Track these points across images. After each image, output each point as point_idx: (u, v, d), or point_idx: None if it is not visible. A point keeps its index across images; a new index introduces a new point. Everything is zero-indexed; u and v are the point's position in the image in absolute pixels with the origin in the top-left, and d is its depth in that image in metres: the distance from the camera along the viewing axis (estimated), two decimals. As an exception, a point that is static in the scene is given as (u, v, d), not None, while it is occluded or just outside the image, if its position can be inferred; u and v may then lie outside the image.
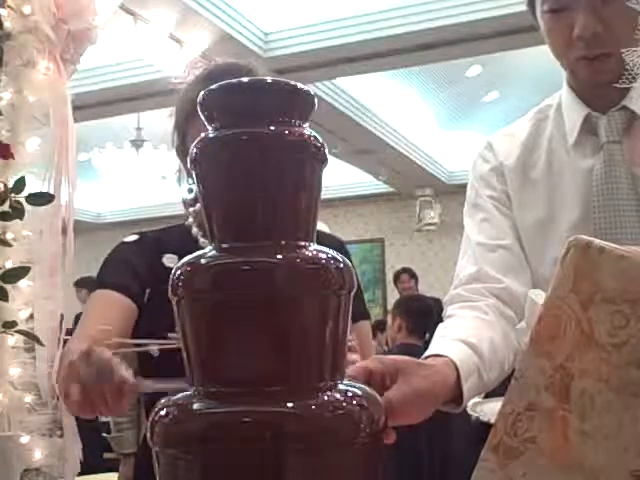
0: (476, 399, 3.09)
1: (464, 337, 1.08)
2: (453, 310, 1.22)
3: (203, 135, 0.74)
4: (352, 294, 0.74)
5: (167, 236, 1.43)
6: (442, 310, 1.27)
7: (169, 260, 1.32)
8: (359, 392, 0.71)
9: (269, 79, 0.75)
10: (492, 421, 0.82)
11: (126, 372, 0.91)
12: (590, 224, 1.22)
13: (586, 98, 1.28)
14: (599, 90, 1.25)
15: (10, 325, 1.04)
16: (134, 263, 1.38)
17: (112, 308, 1.32)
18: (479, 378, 1.05)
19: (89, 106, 5.66)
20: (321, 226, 1.48)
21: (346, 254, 1.45)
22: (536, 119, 1.36)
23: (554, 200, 1.28)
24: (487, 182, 1.34)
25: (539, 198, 1.30)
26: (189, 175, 1.36)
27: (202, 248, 0.75)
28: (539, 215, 1.29)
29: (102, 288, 1.35)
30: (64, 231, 1.27)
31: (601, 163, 1.23)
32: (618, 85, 1.08)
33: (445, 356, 1.01)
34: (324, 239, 1.34)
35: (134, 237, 1.45)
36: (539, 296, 1.11)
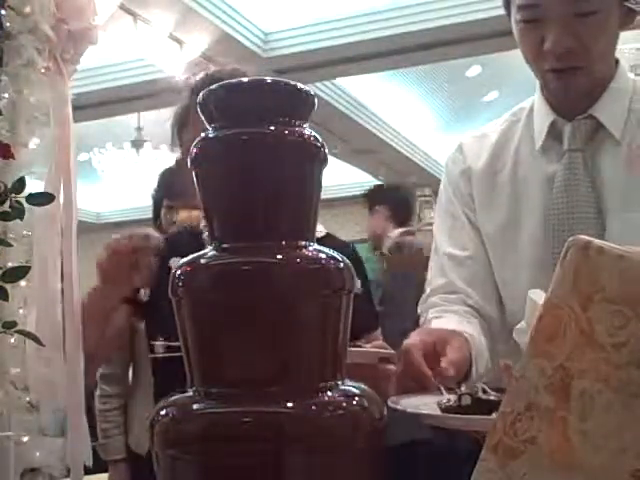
0: None
1: (459, 330, 1.10)
2: (435, 314, 1.24)
3: (203, 135, 0.74)
4: (352, 294, 0.74)
5: (178, 238, 1.43)
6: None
7: (175, 262, 1.33)
8: (359, 392, 0.71)
9: (269, 79, 0.75)
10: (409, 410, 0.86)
11: None
12: (549, 231, 1.22)
13: (555, 105, 1.27)
14: (568, 99, 1.25)
15: (10, 325, 1.03)
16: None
17: None
18: (476, 367, 1.09)
19: (89, 106, 5.67)
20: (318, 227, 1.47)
21: (356, 255, 1.46)
22: (509, 122, 1.36)
23: (517, 205, 1.28)
24: (457, 186, 1.34)
25: (503, 203, 1.29)
26: None
27: None
28: (502, 220, 1.29)
29: None
30: (64, 232, 1.27)
31: (562, 170, 1.23)
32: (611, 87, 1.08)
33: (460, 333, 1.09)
34: (331, 242, 1.34)
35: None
36: (539, 296, 1.11)
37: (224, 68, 1.43)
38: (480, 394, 0.87)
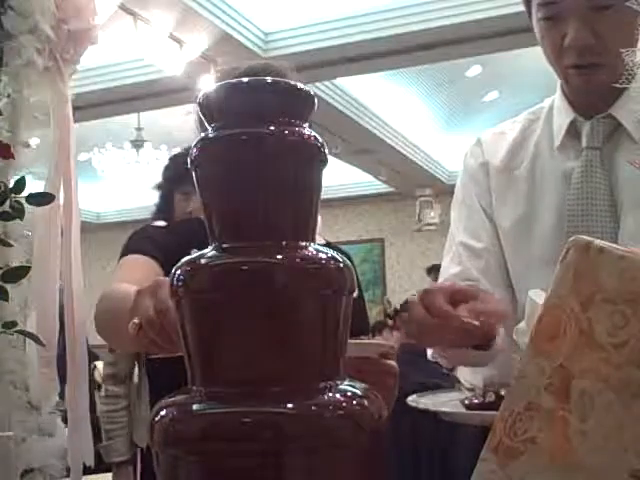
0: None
1: None
2: None
3: (203, 135, 0.74)
4: (353, 296, 0.74)
5: (192, 230, 1.41)
6: None
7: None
8: (359, 392, 0.71)
9: (269, 79, 0.75)
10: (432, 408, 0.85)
11: None
12: (564, 227, 1.23)
13: (575, 104, 1.29)
14: (589, 97, 1.26)
15: (10, 325, 1.03)
16: (160, 241, 1.39)
17: (137, 267, 1.33)
18: (500, 336, 1.08)
19: (89, 106, 5.66)
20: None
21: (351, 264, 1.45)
22: (527, 120, 1.38)
23: (533, 201, 1.30)
24: (475, 179, 1.36)
25: (519, 198, 1.31)
26: None
27: None
28: (518, 216, 1.31)
29: (125, 256, 1.37)
30: (64, 232, 1.27)
31: (579, 168, 1.25)
32: (618, 85, 1.09)
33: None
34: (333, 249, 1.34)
35: (162, 223, 1.45)
36: (539, 296, 1.11)
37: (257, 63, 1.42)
38: (503, 392, 0.87)
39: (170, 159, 2.39)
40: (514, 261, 1.30)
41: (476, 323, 0.93)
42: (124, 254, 1.38)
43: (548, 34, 1.23)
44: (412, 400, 0.93)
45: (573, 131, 1.28)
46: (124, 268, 1.35)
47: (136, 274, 1.28)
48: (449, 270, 1.32)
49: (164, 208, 2.31)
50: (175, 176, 2.28)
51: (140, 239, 1.41)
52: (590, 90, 1.24)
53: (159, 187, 2.36)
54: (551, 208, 1.27)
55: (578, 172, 1.25)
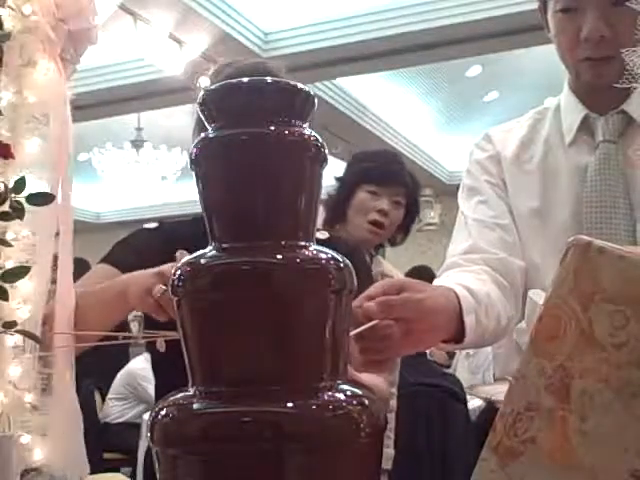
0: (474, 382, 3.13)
1: (462, 282, 1.09)
2: (446, 273, 1.21)
3: (203, 135, 0.74)
4: (353, 294, 0.74)
5: (184, 230, 1.41)
6: None
7: (181, 255, 1.32)
8: (359, 392, 0.71)
9: (269, 79, 0.75)
10: (493, 398, 0.84)
11: None
12: (581, 220, 1.23)
13: (586, 100, 1.29)
14: (600, 92, 1.27)
15: (10, 325, 1.03)
16: (137, 245, 1.39)
17: (96, 278, 1.34)
18: (477, 320, 1.05)
19: (89, 106, 5.67)
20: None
21: (359, 255, 1.44)
22: (534, 119, 1.38)
23: (547, 194, 1.30)
24: (484, 168, 1.35)
25: (533, 190, 1.31)
26: None
27: None
28: (531, 207, 1.30)
29: (100, 263, 1.39)
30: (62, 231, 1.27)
31: (596, 161, 1.25)
32: (618, 85, 1.09)
33: (447, 287, 1.04)
34: (335, 242, 1.33)
35: (154, 225, 1.46)
36: (539, 296, 1.11)
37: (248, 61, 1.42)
38: None
39: (353, 156, 2.34)
40: (527, 250, 1.29)
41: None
42: (100, 261, 1.41)
43: (564, 26, 1.24)
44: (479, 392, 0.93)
45: (585, 127, 1.29)
46: (89, 277, 1.38)
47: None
48: (458, 247, 1.28)
49: (340, 204, 2.24)
50: (360, 173, 2.23)
51: (117, 249, 1.43)
52: (600, 85, 1.25)
53: (339, 180, 2.28)
54: (566, 202, 1.27)
55: (594, 166, 1.25)
